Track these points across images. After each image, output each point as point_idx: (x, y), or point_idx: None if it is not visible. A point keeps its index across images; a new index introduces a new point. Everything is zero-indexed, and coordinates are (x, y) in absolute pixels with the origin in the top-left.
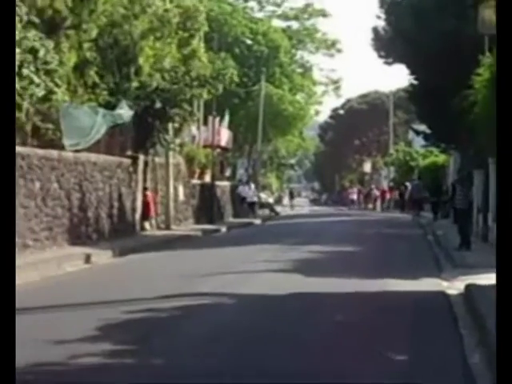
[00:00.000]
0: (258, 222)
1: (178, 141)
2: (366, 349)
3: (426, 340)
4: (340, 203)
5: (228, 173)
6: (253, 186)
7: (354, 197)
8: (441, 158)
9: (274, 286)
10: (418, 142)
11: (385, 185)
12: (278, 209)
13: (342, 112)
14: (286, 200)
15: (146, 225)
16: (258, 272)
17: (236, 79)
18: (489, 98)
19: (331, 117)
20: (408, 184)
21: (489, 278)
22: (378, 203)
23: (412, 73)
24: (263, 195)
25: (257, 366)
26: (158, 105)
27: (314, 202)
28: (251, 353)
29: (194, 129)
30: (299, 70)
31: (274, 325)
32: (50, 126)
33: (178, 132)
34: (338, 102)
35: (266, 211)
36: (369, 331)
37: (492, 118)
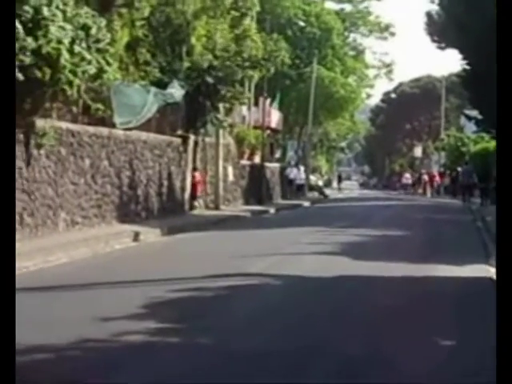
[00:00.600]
0: (306, 204)
1: (229, 120)
2: (413, 333)
3: (472, 326)
4: (390, 187)
5: (278, 154)
6: (302, 168)
7: (409, 181)
8: (492, 145)
9: (321, 268)
10: (470, 127)
11: (435, 170)
12: (328, 192)
13: (393, 96)
14: (335, 183)
15: (195, 204)
16: (306, 254)
17: (288, 61)
18: None
19: (383, 100)
20: (459, 169)
21: None
22: (428, 188)
23: (464, 58)
24: (312, 178)
25: (303, 346)
26: (210, 80)
27: (364, 185)
28: (297, 333)
29: (244, 109)
30: (351, 53)
31: (320, 307)
32: (101, 104)
33: (228, 112)
34: (390, 86)
35: (315, 194)
36: (416, 315)
37: None
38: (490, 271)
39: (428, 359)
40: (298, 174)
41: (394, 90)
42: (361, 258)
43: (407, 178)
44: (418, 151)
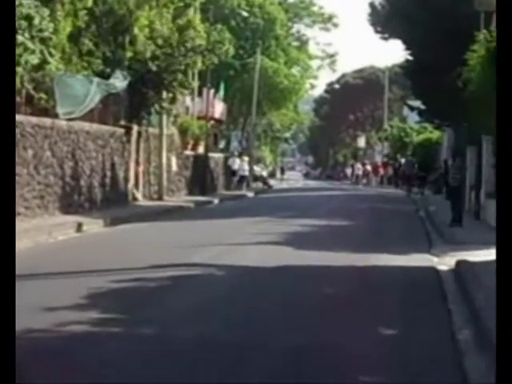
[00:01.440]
0: (250, 194)
1: (173, 111)
2: (355, 322)
3: (415, 315)
4: (334, 178)
5: (222, 145)
6: (246, 158)
7: (360, 172)
8: (435, 135)
9: (264, 258)
10: (413, 117)
11: (379, 160)
12: (272, 182)
13: (337, 86)
14: (278, 174)
15: (137, 195)
16: (249, 244)
17: (231, 51)
18: (483, 75)
19: (326, 91)
20: (402, 160)
21: (479, 255)
22: (372, 179)
23: (408, 48)
24: (257, 168)
25: (245, 335)
26: (154, 68)
27: (308, 176)
28: (240, 324)
29: (188, 100)
30: (295, 44)
31: (264, 297)
32: (44, 94)
33: (172, 102)
34: (334, 77)
35: (260, 184)
36: (358, 304)
37: (486, 96)
38: (433, 260)
39: (370, 348)
40: (241, 164)
41: (338, 81)
42: (305, 247)
43: (359, 168)
44: (361, 142)
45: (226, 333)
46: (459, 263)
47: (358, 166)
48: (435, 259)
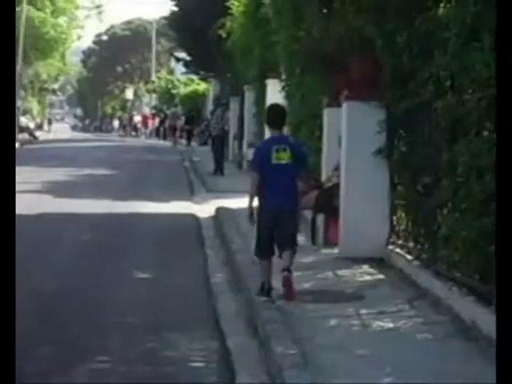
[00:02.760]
0: (16, 145)
1: None
2: (111, 267)
3: (172, 260)
4: (102, 130)
5: None
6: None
7: (127, 124)
8: (202, 87)
9: (24, 207)
10: (181, 70)
11: (147, 112)
12: (38, 134)
13: (105, 38)
14: (46, 126)
15: None
16: None
17: None
18: (245, 25)
19: (95, 42)
20: (168, 112)
21: (239, 203)
22: (141, 130)
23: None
24: (23, 120)
25: None
26: None
27: (76, 128)
28: None
29: None
30: None
31: (18, 246)
32: None
33: None
34: (102, 28)
35: (26, 135)
36: (115, 250)
37: (247, 45)
38: (194, 208)
39: (124, 292)
40: None
41: (106, 33)
42: (66, 196)
43: (126, 119)
44: (129, 93)
45: None
46: (218, 210)
47: (126, 117)
48: (196, 207)
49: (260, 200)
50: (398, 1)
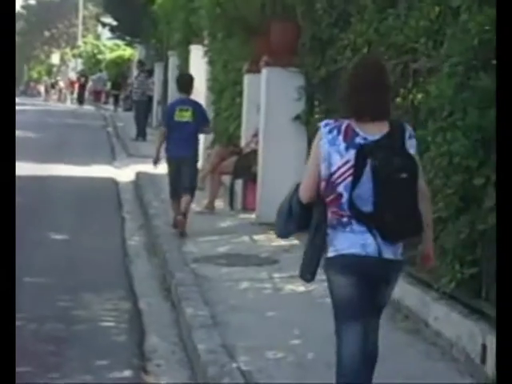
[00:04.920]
0: None
1: None
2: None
3: (89, 223)
4: (27, 94)
5: None
6: None
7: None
8: (128, 52)
9: None
10: (107, 35)
11: (73, 77)
12: None
13: (33, 2)
14: None
15: None
16: None
17: None
18: None
19: (22, 7)
20: (94, 77)
21: (159, 168)
22: (67, 95)
23: None
24: None
25: None
26: None
27: None
28: None
29: None
30: None
31: None
32: None
33: None
34: None
35: None
36: (32, 212)
37: (172, 11)
38: (114, 172)
39: (38, 253)
40: None
41: None
42: None
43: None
44: (55, 58)
45: None
46: (138, 174)
47: (50, 81)
48: (116, 171)
49: (166, 151)
50: None
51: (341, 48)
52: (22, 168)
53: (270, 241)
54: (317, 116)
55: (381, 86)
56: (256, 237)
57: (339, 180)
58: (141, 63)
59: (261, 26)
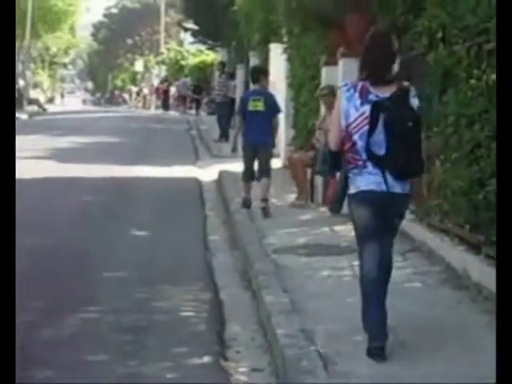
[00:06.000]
0: (24, 116)
1: None
2: (111, 226)
3: (172, 220)
4: (113, 102)
5: None
6: (22, 82)
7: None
8: (210, 57)
9: (28, 171)
10: (190, 41)
11: (157, 83)
12: (48, 106)
13: (115, 11)
14: (58, 100)
15: None
16: (16, 158)
17: None
18: None
19: (105, 15)
20: (177, 82)
21: (242, 166)
22: (151, 102)
23: None
24: (33, 92)
25: None
26: None
27: (87, 101)
28: None
29: None
30: None
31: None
32: None
33: None
34: (111, 2)
35: (35, 107)
36: (117, 211)
37: (252, 11)
38: (197, 172)
39: (122, 248)
40: None
41: (116, 6)
42: (70, 161)
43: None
44: (139, 66)
45: None
46: (221, 173)
47: (135, 89)
48: (199, 171)
49: (243, 137)
50: None
51: (416, 35)
52: (105, 170)
53: (350, 231)
54: None
55: (388, 54)
56: (336, 228)
57: (355, 130)
58: (222, 65)
59: (336, 18)
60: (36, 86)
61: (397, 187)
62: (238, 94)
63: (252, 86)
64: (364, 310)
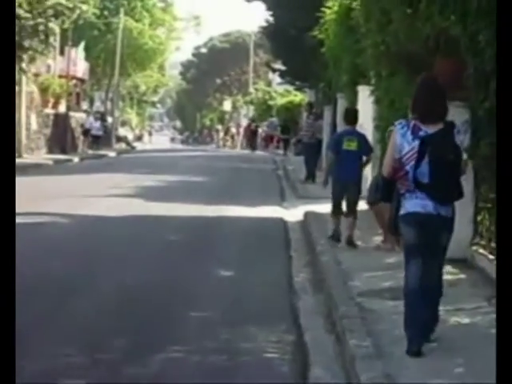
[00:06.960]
0: (112, 154)
1: (32, 69)
2: (197, 265)
3: (257, 260)
4: (201, 141)
5: (86, 106)
6: (110, 119)
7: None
8: (298, 98)
9: (115, 209)
10: (278, 81)
11: (244, 123)
12: (136, 144)
13: (204, 50)
14: (146, 138)
15: None
16: (103, 196)
17: (93, 11)
18: (337, 31)
19: (194, 55)
20: (265, 122)
21: (327, 208)
22: (239, 141)
23: (268, 9)
24: (121, 130)
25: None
26: None
27: (175, 140)
28: (84, 265)
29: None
30: (160, 5)
31: (108, 244)
32: None
33: (32, 61)
34: (201, 41)
35: (123, 145)
36: (203, 250)
37: (340, 52)
38: (283, 212)
39: (207, 288)
40: (93, 123)
41: (205, 45)
42: (156, 200)
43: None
44: (227, 105)
45: (65, 272)
46: (307, 214)
47: (222, 128)
48: (285, 211)
49: (334, 175)
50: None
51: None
52: (191, 209)
53: None
54: (482, 149)
55: (438, 97)
56: None
57: (407, 161)
58: (310, 105)
59: (424, 62)
60: (124, 123)
61: (439, 210)
62: (325, 135)
63: (341, 127)
64: (405, 315)
